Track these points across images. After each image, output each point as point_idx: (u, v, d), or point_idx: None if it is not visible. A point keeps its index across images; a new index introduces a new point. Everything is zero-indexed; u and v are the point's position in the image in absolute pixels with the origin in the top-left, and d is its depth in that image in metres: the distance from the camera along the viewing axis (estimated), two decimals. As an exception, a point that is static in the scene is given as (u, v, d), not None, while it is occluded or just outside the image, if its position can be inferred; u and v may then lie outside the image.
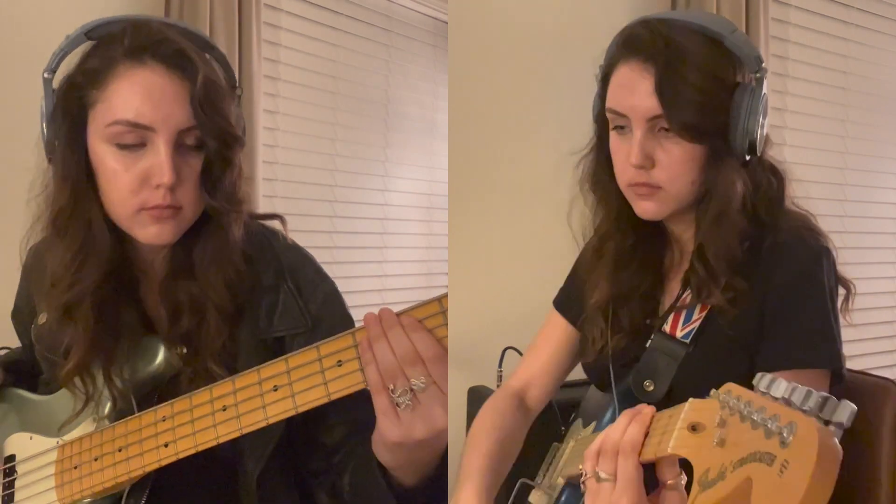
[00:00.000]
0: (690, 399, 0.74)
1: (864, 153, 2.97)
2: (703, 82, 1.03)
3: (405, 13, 2.98)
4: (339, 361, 0.84)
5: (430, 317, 0.81)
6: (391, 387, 0.78)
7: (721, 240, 1.05)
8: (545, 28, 2.20)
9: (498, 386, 2.02)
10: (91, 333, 1.01)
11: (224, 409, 0.89)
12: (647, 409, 0.84)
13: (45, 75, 1.02)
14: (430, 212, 3.14)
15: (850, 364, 1.06)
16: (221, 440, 0.90)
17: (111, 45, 0.99)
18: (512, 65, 2.19)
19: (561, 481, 1.13)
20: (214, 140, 1.00)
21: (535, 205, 2.15)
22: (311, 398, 0.85)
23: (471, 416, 2.03)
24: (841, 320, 1.06)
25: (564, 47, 2.21)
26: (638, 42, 1.07)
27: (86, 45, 1.03)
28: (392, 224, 3.01)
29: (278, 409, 0.86)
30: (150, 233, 0.99)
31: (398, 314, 0.81)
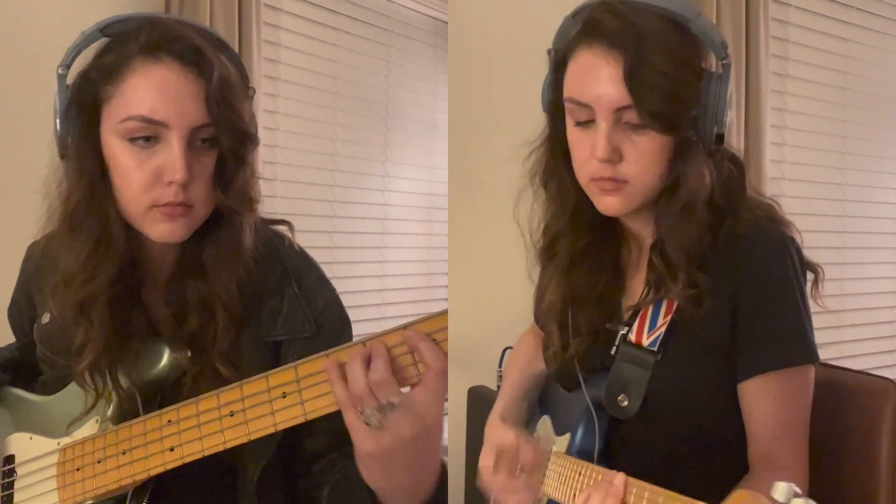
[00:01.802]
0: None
1: (864, 153, 2.97)
2: (672, 69, 0.97)
3: (405, 13, 2.98)
4: None
5: (439, 330, 0.81)
6: (359, 408, 0.80)
7: (684, 233, 1.01)
8: (545, 28, 2.20)
9: (498, 387, 2.02)
10: (106, 331, 1.01)
11: (231, 415, 0.89)
12: (618, 481, 0.84)
13: (60, 71, 1.01)
14: (430, 212, 3.14)
15: (851, 364, 1.06)
16: (229, 445, 0.90)
17: (126, 42, 0.99)
18: (512, 65, 2.19)
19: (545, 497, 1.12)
20: (229, 138, 0.99)
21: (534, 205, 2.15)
22: (320, 405, 0.85)
23: (471, 416, 2.03)
24: (812, 305, 1.04)
25: (564, 47, 2.21)
26: (601, 26, 1.00)
27: (101, 42, 1.02)
28: (392, 224, 3.01)
29: (287, 416, 0.86)
30: (161, 230, 0.99)
31: (407, 326, 0.81)
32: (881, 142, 3.02)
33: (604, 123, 0.99)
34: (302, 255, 1.13)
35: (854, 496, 1.13)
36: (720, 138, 1.01)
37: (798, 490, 0.59)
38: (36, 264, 1.16)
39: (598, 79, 0.99)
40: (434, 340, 0.80)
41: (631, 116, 0.98)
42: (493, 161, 2.17)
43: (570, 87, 1.03)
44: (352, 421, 0.80)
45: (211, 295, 1.03)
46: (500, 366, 2.02)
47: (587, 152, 1.01)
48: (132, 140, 0.96)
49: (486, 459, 1.14)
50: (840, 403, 1.04)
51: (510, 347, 2.01)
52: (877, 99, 2.98)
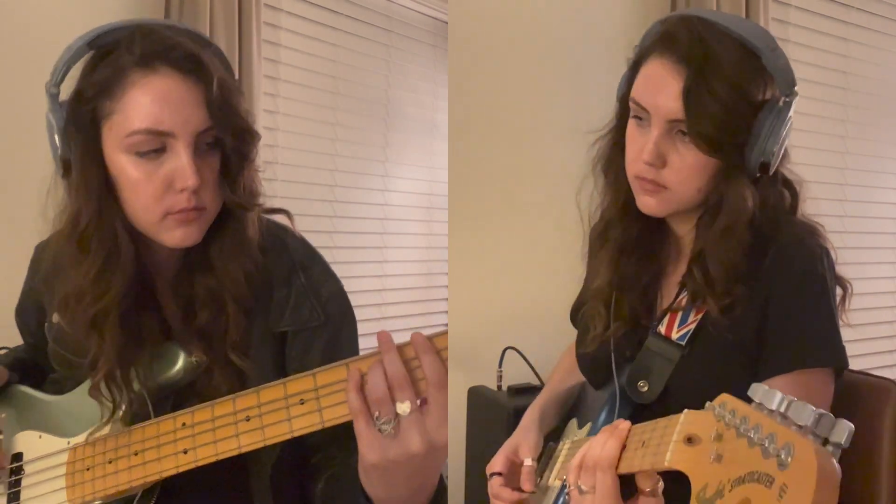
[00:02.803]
0: (686, 410, 0.74)
1: (864, 153, 2.97)
2: (731, 97, 1.01)
3: (405, 13, 2.98)
4: None
5: (441, 350, 0.81)
6: (376, 414, 0.79)
7: (724, 253, 1.05)
8: (545, 28, 2.20)
9: (498, 386, 2.03)
10: (118, 344, 1.01)
11: (248, 420, 0.89)
12: (623, 425, 0.87)
13: (52, 90, 1.01)
14: (430, 212, 3.14)
15: (851, 364, 1.06)
16: (244, 450, 0.90)
17: (119, 55, 0.98)
18: (512, 65, 2.19)
19: (558, 483, 1.13)
20: (232, 138, 1.00)
21: (534, 205, 2.15)
22: (339, 413, 0.85)
23: (471, 416, 2.03)
24: (839, 320, 1.06)
25: (564, 47, 2.21)
26: (674, 40, 1.05)
27: (89, 56, 1.01)
28: (392, 224, 3.01)
29: (305, 423, 0.86)
30: (177, 236, 0.99)
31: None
32: (881, 142, 3.02)
33: (655, 131, 1.04)
34: (305, 245, 1.15)
35: (855, 496, 1.13)
36: (764, 167, 1.04)
37: (767, 387, 0.60)
38: (40, 264, 1.15)
39: (660, 89, 1.04)
40: (439, 355, 0.80)
41: (683, 127, 1.03)
42: (493, 161, 2.18)
43: (637, 89, 1.08)
44: (362, 429, 0.80)
45: (220, 288, 1.04)
46: (500, 366, 2.02)
47: (637, 150, 1.07)
48: (139, 153, 0.96)
49: (497, 459, 1.20)
50: (840, 403, 1.04)
51: (510, 347, 2.02)
52: (877, 99, 2.98)
